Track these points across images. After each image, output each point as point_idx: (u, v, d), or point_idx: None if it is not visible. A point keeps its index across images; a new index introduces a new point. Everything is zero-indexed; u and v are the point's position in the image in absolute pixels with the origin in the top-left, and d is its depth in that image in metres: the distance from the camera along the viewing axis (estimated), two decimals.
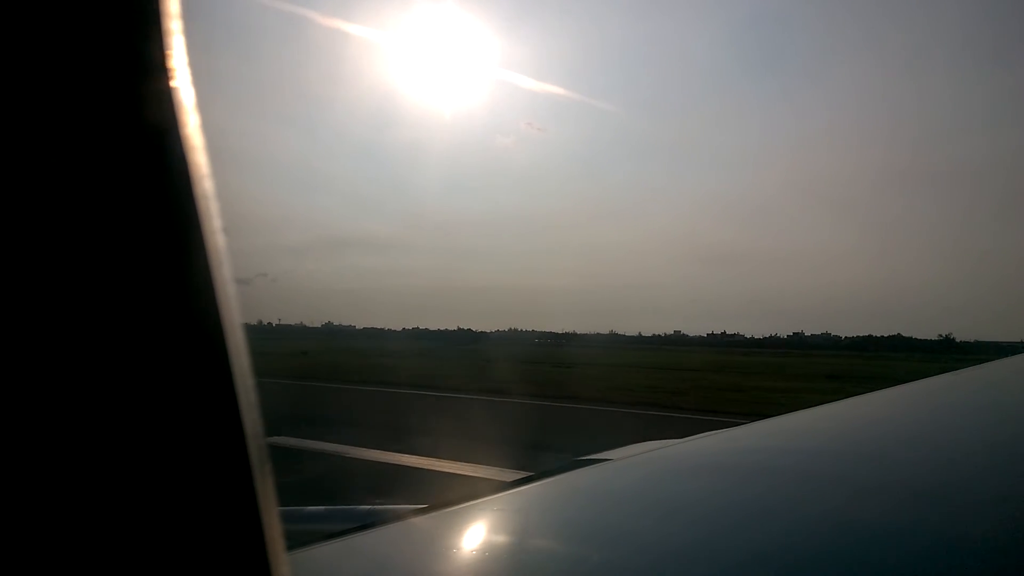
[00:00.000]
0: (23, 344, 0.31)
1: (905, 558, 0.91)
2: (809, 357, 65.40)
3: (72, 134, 0.32)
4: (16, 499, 0.31)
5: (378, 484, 9.24)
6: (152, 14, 0.35)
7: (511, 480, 1.69)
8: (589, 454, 2.14)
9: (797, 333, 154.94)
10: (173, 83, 0.35)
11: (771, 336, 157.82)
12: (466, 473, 9.38)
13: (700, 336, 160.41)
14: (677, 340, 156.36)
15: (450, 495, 1.49)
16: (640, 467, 1.79)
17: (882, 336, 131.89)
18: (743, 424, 2.36)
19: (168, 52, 0.35)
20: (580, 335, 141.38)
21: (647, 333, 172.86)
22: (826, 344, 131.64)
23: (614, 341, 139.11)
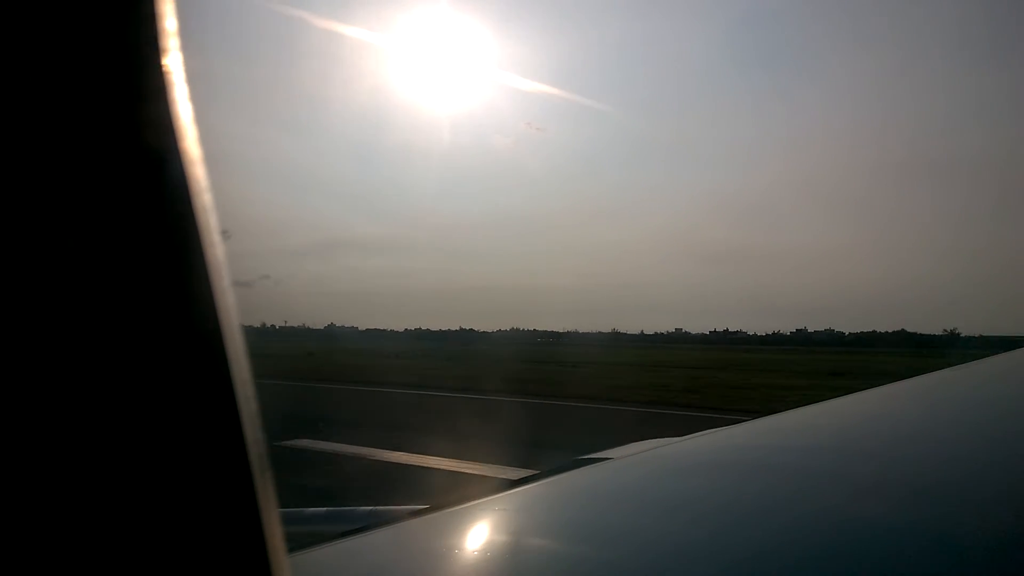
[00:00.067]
0: (25, 350, 0.31)
1: (906, 555, 0.91)
2: (816, 354, 65.23)
3: (69, 148, 0.32)
4: (18, 503, 0.31)
5: (400, 485, 9.25)
6: (148, 24, 0.34)
7: (512, 480, 1.70)
8: (591, 453, 2.15)
9: (800, 330, 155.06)
10: (172, 95, 0.35)
11: (774, 333, 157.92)
12: (486, 474, 9.33)
13: (703, 334, 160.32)
14: (680, 338, 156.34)
15: (451, 496, 1.49)
16: (640, 466, 1.79)
17: (886, 332, 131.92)
18: (743, 422, 2.36)
19: (165, 64, 0.35)
20: (582, 334, 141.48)
21: (649, 331, 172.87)
22: (830, 340, 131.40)
23: (617, 340, 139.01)
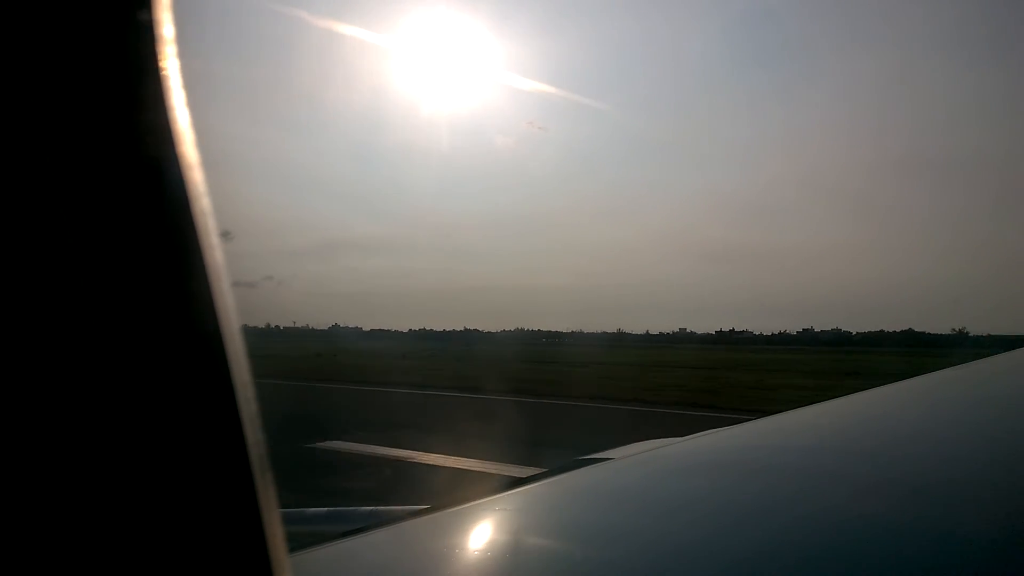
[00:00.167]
0: (25, 352, 0.31)
1: (906, 555, 0.90)
2: (827, 354, 64.94)
3: (67, 154, 0.33)
4: (19, 503, 0.31)
5: (437, 487, 9.20)
6: (145, 29, 0.35)
7: (513, 480, 1.69)
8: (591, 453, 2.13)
9: (806, 329, 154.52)
10: (169, 100, 0.35)
11: (780, 333, 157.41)
12: (513, 474, 9.16)
13: (708, 333, 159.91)
14: (685, 338, 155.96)
15: (452, 496, 1.48)
16: (641, 466, 1.78)
17: (894, 332, 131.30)
18: (744, 422, 2.35)
19: (163, 69, 0.35)
20: (587, 334, 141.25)
21: (654, 331, 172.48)
22: (838, 340, 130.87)
23: (622, 340, 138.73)
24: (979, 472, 1.32)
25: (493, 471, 9.58)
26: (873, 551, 0.92)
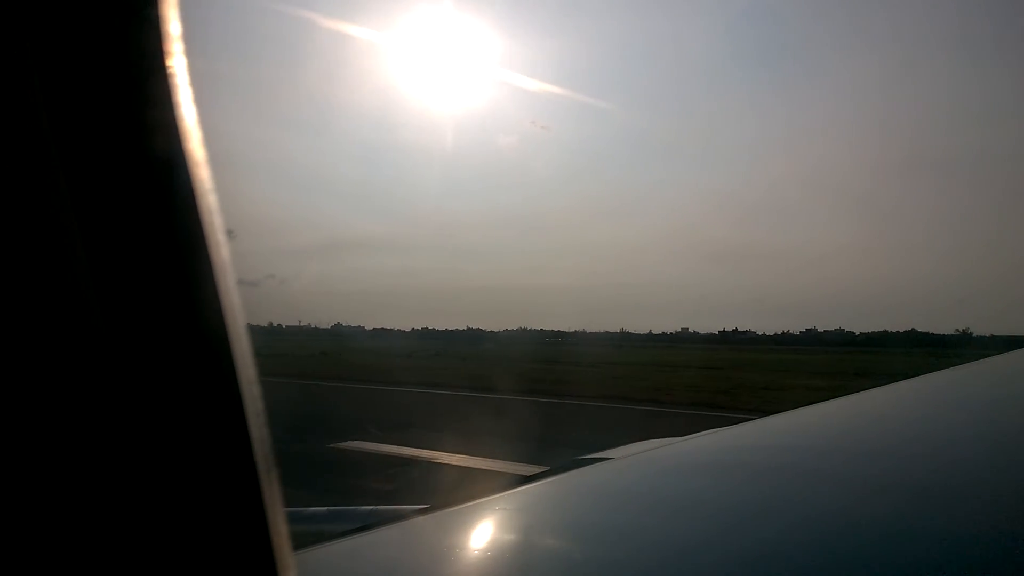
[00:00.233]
0: (32, 350, 0.32)
1: (907, 555, 0.90)
2: (833, 354, 64.60)
3: (74, 151, 0.33)
4: (23, 501, 0.31)
5: (465, 487, 8.93)
6: (152, 28, 0.35)
7: (513, 480, 1.68)
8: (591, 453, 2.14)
9: (810, 329, 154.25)
10: (176, 98, 0.35)
11: (784, 333, 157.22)
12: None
13: (712, 333, 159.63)
14: (688, 337, 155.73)
15: (452, 495, 1.48)
16: (641, 466, 1.78)
17: (897, 332, 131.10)
18: (744, 422, 2.34)
19: (170, 67, 0.35)
20: (590, 334, 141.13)
21: (656, 331, 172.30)
22: (841, 340, 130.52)
23: (627, 339, 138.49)
24: (979, 472, 1.32)
25: (517, 472, 9.35)
26: (873, 551, 0.92)
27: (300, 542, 1.13)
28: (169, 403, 0.34)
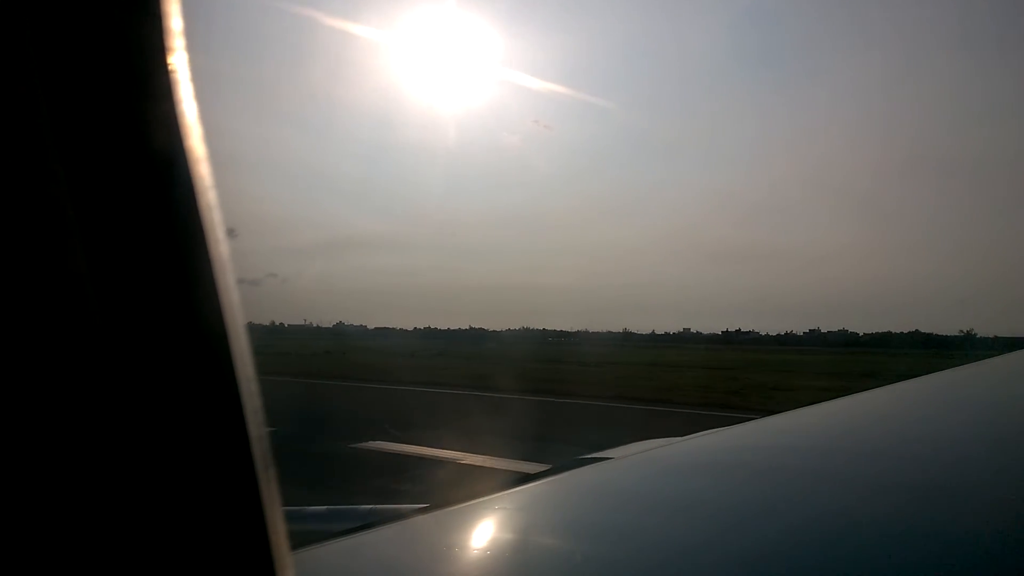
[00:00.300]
0: (30, 346, 0.31)
1: (908, 555, 0.90)
2: (838, 355, 64.44)
3: (74, 146, 0.32)
4: (21, 498, 0.31)
5: (488, 486, 8.77)
6: (153, 24, 0.34)
7: (513, 479, 1.66)
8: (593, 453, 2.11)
9: (813, 330, 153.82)
10: (177, 94, 0.35)
11: (787, 333, 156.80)
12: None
13: (715, 333, 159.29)
14: (692, 338, 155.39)
15: (452, 494, 1.48)
16: (641, 466, 1.78)
17: (901, 332, 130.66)
18: (744, 422, 2.33)
19: (170, 64, 0.35)
20: (593, 333, 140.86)
21: (659, 331, 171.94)
22: (845, 341, 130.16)
23: (630, 339, 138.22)
24: (980, 473, 1.32)
25: (533, 471, 9.14)
26: (874, 551, 0.92)
27: (298, 541, 1.12)
28: (167, 401, 0.34)
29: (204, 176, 0.36)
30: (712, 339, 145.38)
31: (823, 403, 2.43)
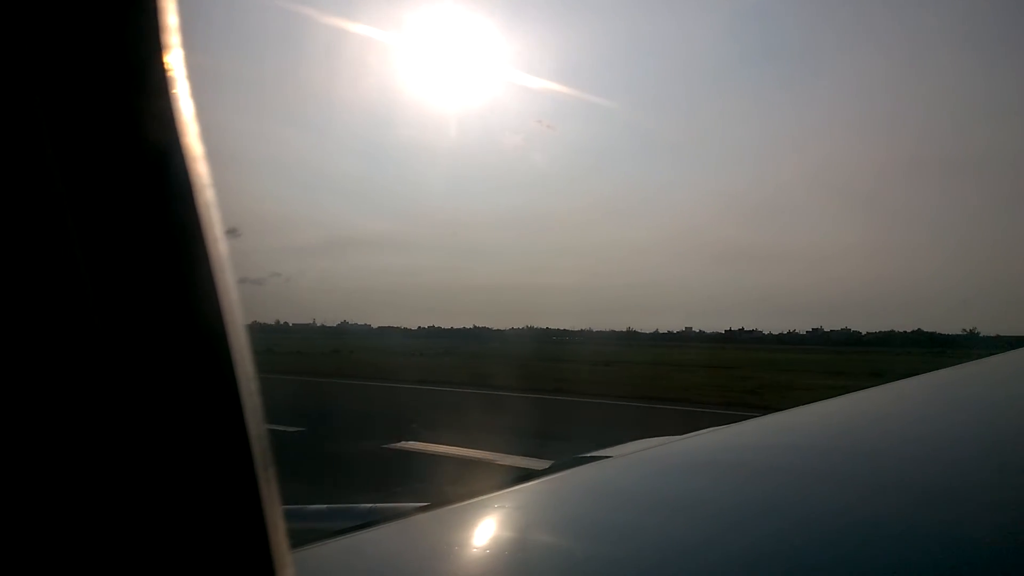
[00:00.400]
0: (27, 344, 0.31)
1: (907, 555, 0.90)
2: (843, 354, 64.19)
3: (70, 143, 0.32)
4: (20, 497, 0.31)
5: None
6: (149, 20, 0.34)
7: (512, 477, 1.66)
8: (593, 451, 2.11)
9: (816, 329, 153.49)
10: (173, 92, 0.35)
11: (790, 332, 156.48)
12: None
13: (718, 332, 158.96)
14: (695, 337, 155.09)
15: (451, 493, 1.47)
16: (641, 464, 1.77)
17: (904, 332, 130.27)
18: (744, 421, 2.32)
19: (167, 60, 0.35)
20: (597, 332, 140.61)
21: (662, 330, 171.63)
22: (848, 340, 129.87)
23: (634, 338, 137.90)
24: (979, 472, 1.31)
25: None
26: (873, 551, 0.91)
27: (298, 540, 1.11)
28: (165, 398, 0.34)
29: (201, 173, 0.36)
30: (715, 338, 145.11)
31: (822, 402, 2.41)
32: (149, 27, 0.34)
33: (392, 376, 26.03)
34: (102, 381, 0.32)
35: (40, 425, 0.31)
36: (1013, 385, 2.46)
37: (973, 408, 2.12)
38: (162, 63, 0.34)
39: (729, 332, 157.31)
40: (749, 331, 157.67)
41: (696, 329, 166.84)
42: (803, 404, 2.41)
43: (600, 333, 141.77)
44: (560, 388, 21.23)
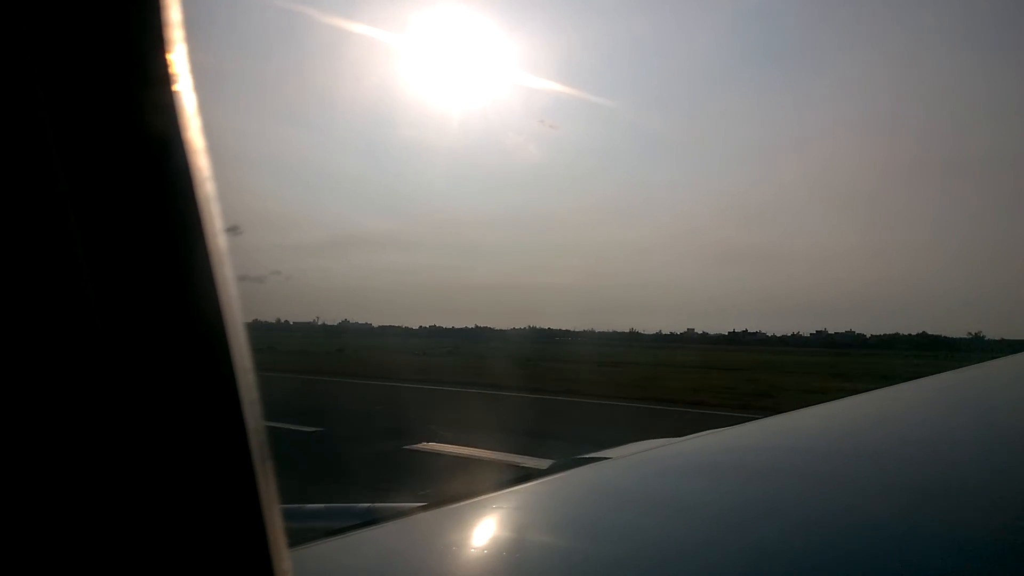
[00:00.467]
0: (25, 339, 0.31)
1: (907, 557, 0.90)
2: (851, 356, 63.87)
3: (71, 136, 0.32)
4: (17, 496, 0.30)
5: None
6: (152, 15, 0.34)
7: (510, 478, 1.65)
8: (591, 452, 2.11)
9: (820, 331, 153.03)
10: (175, 86, 0.35)
11: (793, 334, 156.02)
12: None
13: (721, 334, 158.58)
14: (699, 338, 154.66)
15: (449, 493, 1.46)
16: (639, 466, 1.76)
17: (909, 335, 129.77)
18: (744, 423, 2.31)
19: (169, 54, 0.35)
20: (599, 333, 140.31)
21: (665, 331, 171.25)
22: (853, 342, 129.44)
23: (637, 339, 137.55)
24: (980, 475, 1.30)
25: None
26: (873, 553, 0.91)
27: (296, 539, 1.10)
28: (163, 394, 0.34)
29: (203, 167, 0.36)
30: (718, 339, 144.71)
31: (823, 404, 2.40)
32: (152, 21, 0.34)
33: (400, 376, 25.77)
34: (99, 372, 0.32)
35: (38, 420, 0.31)
36: (1013, 389, 2.45)
37: (973, 412, 2.12)
38: (164, 56, 0.34)
39: (733, 333, 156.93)
40: (753, 333, 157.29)
41: (699, 330, 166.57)
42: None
43: (602, 334, 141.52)
44: (575, 390, 20.94)
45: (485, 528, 1.26)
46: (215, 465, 0.35)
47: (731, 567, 0.93)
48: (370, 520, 1.42)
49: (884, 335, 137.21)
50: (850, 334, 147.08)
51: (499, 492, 1.45)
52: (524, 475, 1.70)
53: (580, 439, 11.74)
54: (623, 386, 22.74)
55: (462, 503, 1.37)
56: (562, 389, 20.91)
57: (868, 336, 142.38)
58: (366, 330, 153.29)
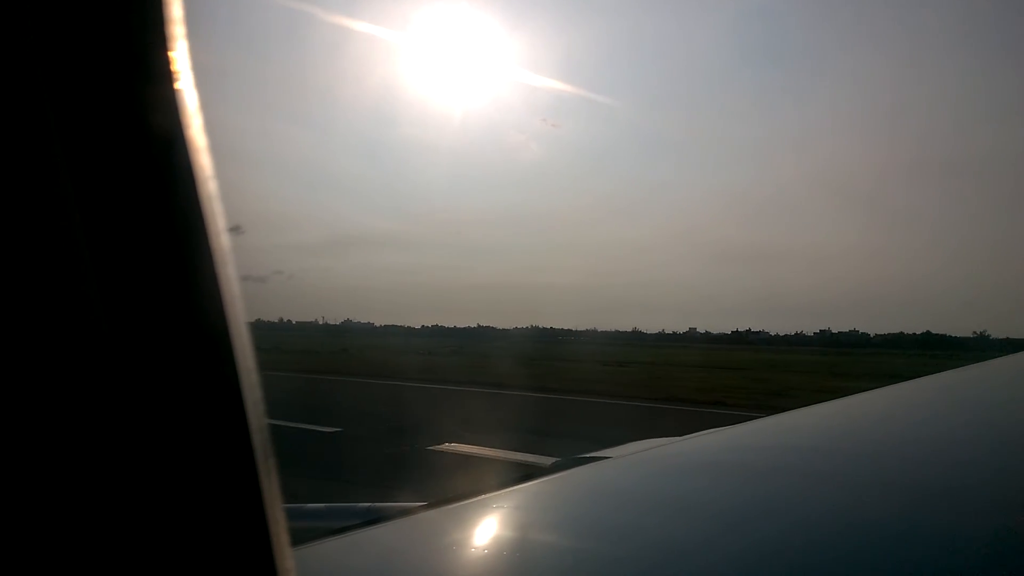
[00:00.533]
0: (27, 338, 0.31)
1: (907, 556, 0.90)
2: (855, 356, 63.64)
3: (73, 133, 0.32)
4: (21, 495, 0.30)
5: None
6: (155, 13, 0.34)
7: (510, 478, 1.65)
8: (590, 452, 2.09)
9: (824, 330, 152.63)
10: (176, 84, 0.35)
11: (797, 334, 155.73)
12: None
13: (724, 333, 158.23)
14: (702, 337, 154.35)
15: (449, 493, 1.47)
16: (639, 465, 1.76)
17: (912, 334, 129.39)
18: (744, 422, 2.30)
19: (171, 51, 0.34)
20: (601, 332, 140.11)
21: (668, 330, 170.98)
22: (857, 342, 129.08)
23: (641, 339, 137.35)
24: (981, 474, 1.30)
25: None
26: (873, 552, 0.91)
27: (299, 538, 1.10)
28: (166, 394, 0.34)
29: (204, 166, 0.36)
30: (723, 339, 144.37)
31: (823, 403, 2.40)
32: (154, 18, 0.34)
33: (408, 375, 25.57)
34: (101, 372, 0.32)
35: (41, 419, 0.31)
36: (1013, 388, 2.45)
37: (973, 411, 2.11)
38: (166, 53, 0.34)
39: (736, 333, 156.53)
40: (756, 332, 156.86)
41: (702, 330, 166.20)
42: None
43: (605, 333, 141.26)
44: (587, 389, 20.69)
45: (486, 527, 1.27)
46: (219, 464, 0.35)
47: (731, 566, 0.93)
48: (372, 519, 1.43)
49: (888, 334, 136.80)
50: (854, 333, 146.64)
51: (500, 491, 1.45)
52: (525, 474, 1.69)
53: (605, 439, 11.50)
54: (634, 386, 22.56)
55: (463, 502, 1.38)
56: (576, 389, 20.73)
57: (872, 335, 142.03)
58: (368, 329, 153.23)
